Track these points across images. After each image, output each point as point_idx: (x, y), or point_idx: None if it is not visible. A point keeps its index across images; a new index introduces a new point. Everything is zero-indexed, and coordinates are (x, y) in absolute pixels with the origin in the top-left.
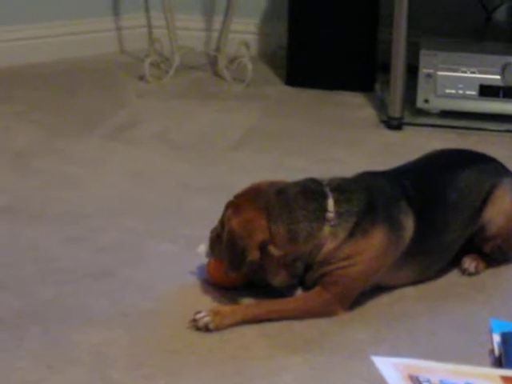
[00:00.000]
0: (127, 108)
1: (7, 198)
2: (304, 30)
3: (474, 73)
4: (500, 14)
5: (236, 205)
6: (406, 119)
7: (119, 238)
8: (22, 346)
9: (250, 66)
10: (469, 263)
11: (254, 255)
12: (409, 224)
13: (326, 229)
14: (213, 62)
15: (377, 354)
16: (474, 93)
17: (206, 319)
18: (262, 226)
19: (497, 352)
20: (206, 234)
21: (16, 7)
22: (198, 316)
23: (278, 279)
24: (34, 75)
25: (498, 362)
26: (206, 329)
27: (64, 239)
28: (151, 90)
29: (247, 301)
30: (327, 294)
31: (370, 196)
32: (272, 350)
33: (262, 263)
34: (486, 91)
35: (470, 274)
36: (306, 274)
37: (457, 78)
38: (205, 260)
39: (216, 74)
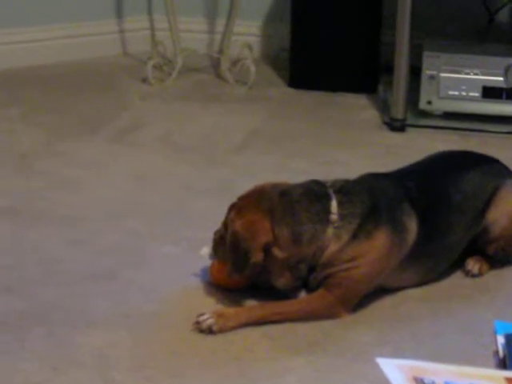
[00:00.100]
0: (130, 110)
1: (10, 199)
2: (307, 31)
3: (476, 74)
4: (503, 16)
5: (239, 207)
6: (409, 121)
7: (122, 240)
8: (26, 348)
9: (252, 68)
10: (472, 265)
11: (257, 257)
12: (412, 226)
13: (330, 231)
14: (216, 64)
15: (380, 355)
16: (476, 94)
17: (210, 321)
18: (266, 227)
19: (501, 353)
20: (209, 236)
21: (18, 9)
22: (202, 318)
23: (282, 281)
24: (38, 77)
25: (503, 364)
26: (210, 331)
27: (67, 241)
28: (154, 92)
29: (251, 303)
30: (331, 296)
31: (374, 198)
32: (275, 351)
33: (266, 265)
34: (489, 93)
35: (474, 276)
36: (310, 276)
37: (460, 80)
38: (208, 262)
39: (219, 76)
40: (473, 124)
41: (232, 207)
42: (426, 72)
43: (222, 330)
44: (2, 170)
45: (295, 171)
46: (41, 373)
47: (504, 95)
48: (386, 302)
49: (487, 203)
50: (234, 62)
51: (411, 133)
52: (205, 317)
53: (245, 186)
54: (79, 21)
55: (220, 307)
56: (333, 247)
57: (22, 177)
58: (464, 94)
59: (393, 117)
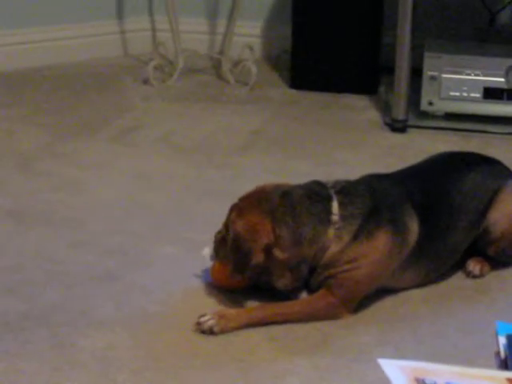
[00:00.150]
0: (131, 111)
1: (13, 200)
2: (308, 32)
3: (478, 75)
4: (504, 17)
5: (240, 208)
6: (410, 122)
7: (123, 242)
8: (27, 349)
9: (254, 69)
10: (473, 266)
11: (258, 258)
12: (413, 226)
13: (331, 232)
14: (217, 65)
15: (382, 356)
16: (478, 95)
17: (211, 322)
18: (267, 228)
19: (502, 354)
20: (211, 237)
21: (19, 10)
22: (203, 319)
23: (283, 282)
24: (39, 78)
25: (504, 365)
26: (211, 332)
27: (68, 243)
28: (155, 93)
29: (252, 304)
30: (332, 296)
31: (375, 199)
32: (277, 352)
33: (267, 266)
34: (490, 94)
35: (475, 277)
36: (311, 276)
37: (461, 81)
38: (209, 263)
39: (220, 77)
40: (474, 125)
41: (233, 208)
42: (428, 73)
43: (223, 331)
44: (3, 171)
45: (296, 172)
46: (42, 374)
47: (505, 96)
48: (387, 302)
49: (488, 204)
50: (235, 63)
51: (412, 134)
52: (206, 318)
53: (246, 186)
54: (80, 22)
55: (221, 308)
56: (334, 248)
57: (24, 178)
58: (465, 94)
59: (394, 118)
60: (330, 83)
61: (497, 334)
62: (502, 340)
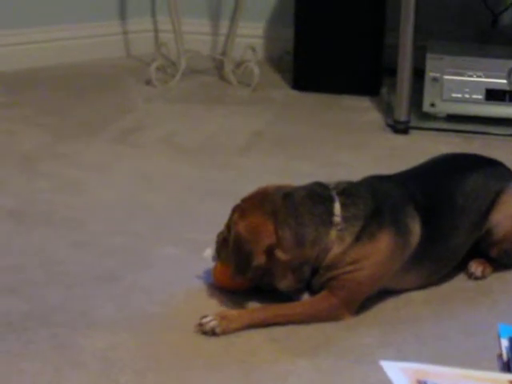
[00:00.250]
0: (134, 112)
1: (14, 201)
2: (310, 34)
3: (480, 77)
4: (506, 18)
5: (243, 209)
6: (413, 123)
7: (125, 242)
8: (29, 350)
9: (256, 70)
10: (475, 267)
11: (260, 259)
12: (415, 228)
13: (333, 233)
14: (219, 66)
15: (383, 358)
16: (480, 97)
17: (213, 323)
18: (269, 230)
19: (505, 357)
20: (213, 237)
21: (20, 11)
22: (205, 320)
23: (285, 283)
24: (40, 79)
25: (507, 367)
26: (213, 333)
27: (70, 243)
28: (158, 94)
29: (254, 305)
30: (334, 298)
31: (377, 200)
32: (279, 354)
33: (269, 267)
34: (492, 95)
35: (477, 279)
36: (313, 278)
37: (463, 82)
38: (211, 264)
39: (222, 78)
40: (476, 126)
41: (235, 209)
42: (430, 74)
43: (225, 332)
44: (5, 172)
45: (298, 173)
46: (43, 374)
47: (507, 98)
48: (389, 304)
49: (490, 206)
50: (238, 64)
51: (414, 135)
52: (208, 319)
53: (248, 187)
54: (83, 22)
55: (223, 309)
56: (336, 249)
57: (25, 178)
58: (467, 96)
59: (396, 119)
60: (332, 84)
61: (499, 337)
62: (505, 342)
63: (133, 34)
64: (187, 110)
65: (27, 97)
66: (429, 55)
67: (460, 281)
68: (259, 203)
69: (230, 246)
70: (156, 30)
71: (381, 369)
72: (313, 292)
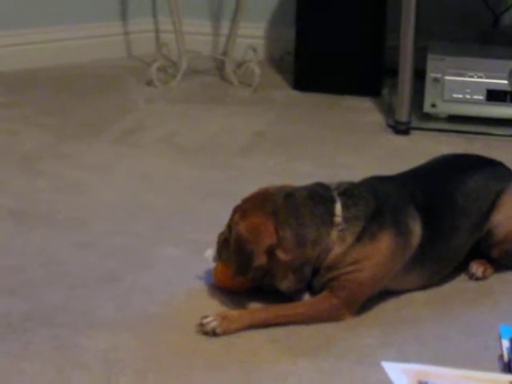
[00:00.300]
0: (135, 112)
1: (15, 201)
2: (311, 34)
3: (481, 77)
4: (507, 18)
5: (244, 209)
6: (414, 124)
7: (126, 243)
8: (29, 350)
9: (257, 71)
10: (476, 268)
11: (261, 260)
12: (416, 229)
13: (334, 233)
14: (220, 67)
15: (384, 358)
16: (481, 97)
17: (214, 324)
18: (270, 230)
19: (506, 357)
20: (214, 238)
21: (22, 11)
22: (206, 320)
23: (286, 284)
24: (42, 79)
25: (507, 368)
26: (214, 333)
27: (71, 243)
28: (159, 94)
29: (255, 305)
30: (335, 298)
31: (378, 201)
32: (279, 354)
33: (270, 268)
34: (493, 96)
35: (478, 279)
36: (314, 278)
37: (464, 83)
38: (212, 264)
39: (223, 78)
40: (477, 127)
41: (236, 209)
42: (431, 75)
43: (225, 333)
44: (6, 172)
45: (300, 174)
46: (44, 375)
47: (508, 98)
48: (390, 304)
49: (491, 206)
50: (239, 65)
51: (415, 136)
52: (209, 319)
53: (249, 188)
54: (84, 23)
55: (224, 309)
56: (337, 250)
57: (26, 178)
58: (468, 96)
59: (397, 120)
60: (334, 85)
61: (500, 337)
62: (506, 343)
63: (134, 35)
64: (188, 111)
65: (28, 97)
66: (430, 56)
67: (461, 281)
68: (260, 203)
69: (231, 247)
70: (157, 31)
71: (381, 369)
72: (314, 292)
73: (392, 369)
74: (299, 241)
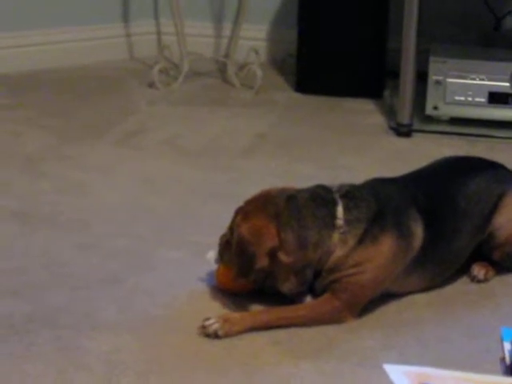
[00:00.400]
0: (137, 114)
1: (18, 202)
2: (313, 36)
3: (483, 80)
4: (509, 21)
5: (245, 211)
6: (415, 126)
7: (128, 245)
8: (32, 352)
9: (259, 73)
10: (478, 270)
11: (262, 262)
12: (418, 231)
13: (336, 236)
14: (222, 69)
15: (386, 361)
16: (483, 100)
17: (215, 326)
18: (272, 232)
19: (508, 360)
20: (215, 240)
21: (24, 13)
22: (207, 323)
23: (288, 286)
24: (44, 81)
25: (509, 371)
26: (215, 335)
27: (73, 245)
28: (160, 96)
29: (256, 307)
30: (336, 301)
31: (380, 203)
32: (281, 356)
33: (272, 270)
34: (495, 98)
35: (479, 282)
36: (316, 280)
37: (466, 85)
38: (214, 266)
39: (225, 80)
40: (479, 129)
41: (238, 211)
42: (433, 77)
43: (227, 335)
44: (9, 173)
45: (301, 176)
46: (46, 376)
47: (510, 101)
48: (392, 306)
49: (493, 209)
50: (241, 67)
51: (417, 138)
52: (211, 321)
53: (251, 190)
54: (86, 25)
55: (226, 312)
56: (339, 252)
57: (29, 180)
58: (470, 99)
59: (399, 122)
60: (335, 87)
61: (502, 340)
62: (507, 346)
63: (136, 37)
64: (190, 113)
65: (30, 99)
66: (432, 58)
67: (463, 284)
68: (262, 206)
69: (233, 249)
70: (159, 33)
71: (383, 372)
72: (315, 295)
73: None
74: (301, 243)
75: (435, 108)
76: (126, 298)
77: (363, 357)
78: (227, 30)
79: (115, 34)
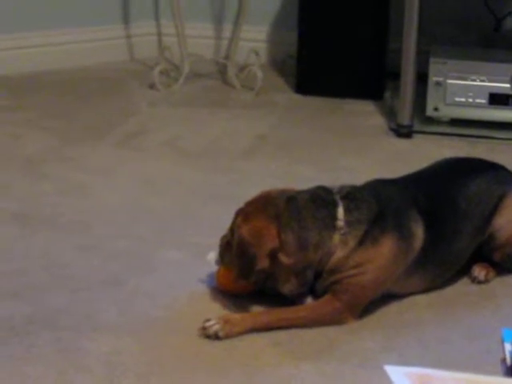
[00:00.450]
0: (137, 116)
1: (18, 204)
2: (313, 38)
3: (483, 81)
4: (510, 22)
5: (246, 212)
6: (416, 127)
7: (129, 246)
8: (32, 353)
9: (259, 74)
10: (478, 271)
11: (263, 263)
12: (419, 232)
13: (336, 237)
14: (222, 70)
15: (386, 362)
16: (483, 101)
17: (216, 327)
18: (272, 233)
19: (508, 361)
20: (216, 241)
21: (24, 15)
22: (208, 324)
23: (288, 287)
24: (45, 83)
25: (510, 372)
26: (216, 337)
27: (74, 246)
28: (161, 97)
29: (257, 309)
30: (337, 302)
31: (380, 204)
32: (282, 358)
33: (272, 271)
34: (496, 99)
35: (480, 283)
36: (316, 282)
37: (466, 87)
38: (214, 268)
39: (226, 82)
40: (479, 130)
41: (239, 213)
42: (433, 78)
43: (228, 336)
44: (9, 175)
45: (302, 177)
46: (47, 378)
47: (510, 102)
48: (392, 308)
49: (493, 210)
50: (241, 68)
51: (418, 139)
52: (211, 322)
53: (251, 191)
54: (87, 26)
55: (226, 313)
56: (339, 253)
57: (30, 182)
58: (471, 100)
59: (399, 123)
60: (336, 88)
61: (502, 341)
62: (508, 347)
63: (136, 38)
64: (190, 114)
65: (31, 100)
66: (432, 59)
67: (463, 285)
68: (262, 207)
69: (234, 250)
70: (159, 34)
71: (384, 373)
72: (316, 296)
73: (394, 372)
74: (301, 244)
75: (436, 109)
76: (126, 299)
77: (364, 358)
78: (228, 31)
79: (116, 35)
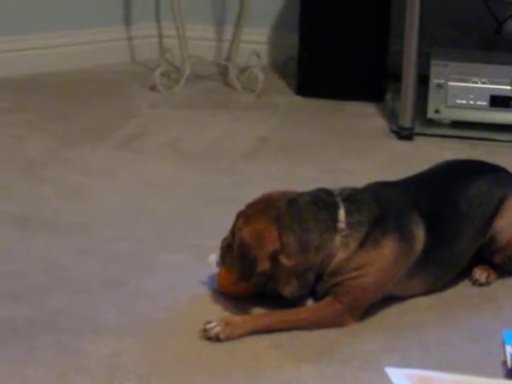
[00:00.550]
0: (138, 118)
1: (19, 206)
2: (315, 40)
3: (484, 83)
4: (510, 25)
5: (247, 215)
6: (417, 129)
7: (130, 248)
8: (33, 356)
9: (260, 76)
10: (479, 274)
11: (264, 265)
12: (420, 234)
13: (337, 239)
14: (224, 72)
15: (387, 364)
16: (484, 103)
17: (217, 329)
18: (273, 236)
19: (509, 363)
20: (217, 243)
21: (25, 17)
22: (209, 326)
23: (289, 289)
24: (45, 84)
25: (511, 374)
26: (217, 339)
27: (74, 249)
28: (162, 99)
29: (258, 311)
30: (338, 304)
31: (381, 206)
32: (283, 360)
33: (273, 273)
34: (497, 102)
35: (481, 285)
36: (317, 284)
37: (467, 89)
38: (215, 270)
39: (227, 83)
40: (480, 133)
41: (240, 215)
42: (434, 81)
43: (229, 338)
44: (9, 177)
45: (303, 179)
46: (48, 380)
47: None
48: (393, 310)
49: (494, 212)
50: (242, 70)
51: (419, 141)
52: (212, 324)
53: (253, 193)
54: (87, 28)
55: (227, 315)
56: (340, 255)
57: (30, 184)
58: (472, 102)
59: (400, 125)
60: (337, 90)
61: (503, 343)
62: (509, 349)
63: (137, 40)
64: (191, 116)
65: (32, 102)
66: (433, 62)
67: (464, 287)
68: (263, 209)
69: (235, 252)
70: (160, 36)
71: (385, 375)
72: (317, 298)
73: (395, 374)
74: (302, 246)
75: (437, 111)
76: (127, 301)
77: (365, 360)
78: (229, 33)
79: (117, 37)
